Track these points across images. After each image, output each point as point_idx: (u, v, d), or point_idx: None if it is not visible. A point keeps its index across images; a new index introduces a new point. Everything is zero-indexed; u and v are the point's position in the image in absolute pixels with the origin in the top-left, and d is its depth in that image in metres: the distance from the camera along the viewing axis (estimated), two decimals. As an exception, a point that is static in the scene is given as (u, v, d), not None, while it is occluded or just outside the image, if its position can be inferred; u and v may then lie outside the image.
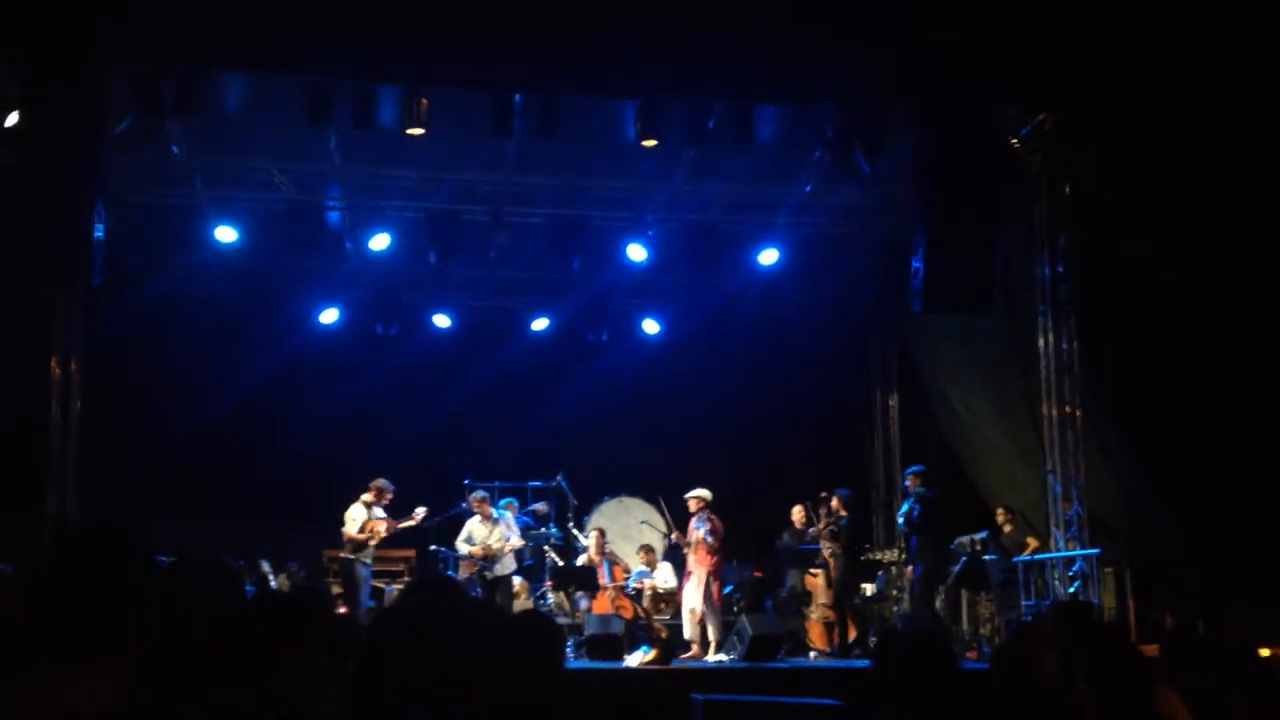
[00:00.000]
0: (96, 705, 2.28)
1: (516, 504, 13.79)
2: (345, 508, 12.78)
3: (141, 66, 11.01)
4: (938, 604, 13.23)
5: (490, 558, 12.78)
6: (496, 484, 14.01)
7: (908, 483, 13.45)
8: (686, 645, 12.32)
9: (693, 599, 12.28)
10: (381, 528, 12.57)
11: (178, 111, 11.51)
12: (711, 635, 12.14)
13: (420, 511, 12.88)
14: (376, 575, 13.95)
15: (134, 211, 13.83)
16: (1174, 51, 10.52)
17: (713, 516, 12.45)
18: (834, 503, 13.23)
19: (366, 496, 12.66)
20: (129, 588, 2.44)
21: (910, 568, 13.36)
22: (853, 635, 13.22)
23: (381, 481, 12.77)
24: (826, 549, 13.26)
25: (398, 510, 12.94)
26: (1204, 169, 10.93)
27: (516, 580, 13.36)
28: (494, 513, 13.09)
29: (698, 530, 12.40)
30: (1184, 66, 10.55)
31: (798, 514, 13.63)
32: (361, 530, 12.47)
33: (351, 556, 12.49)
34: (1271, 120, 10.45)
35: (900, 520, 13.57)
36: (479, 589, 12.73)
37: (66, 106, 10.31)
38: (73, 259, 10.56)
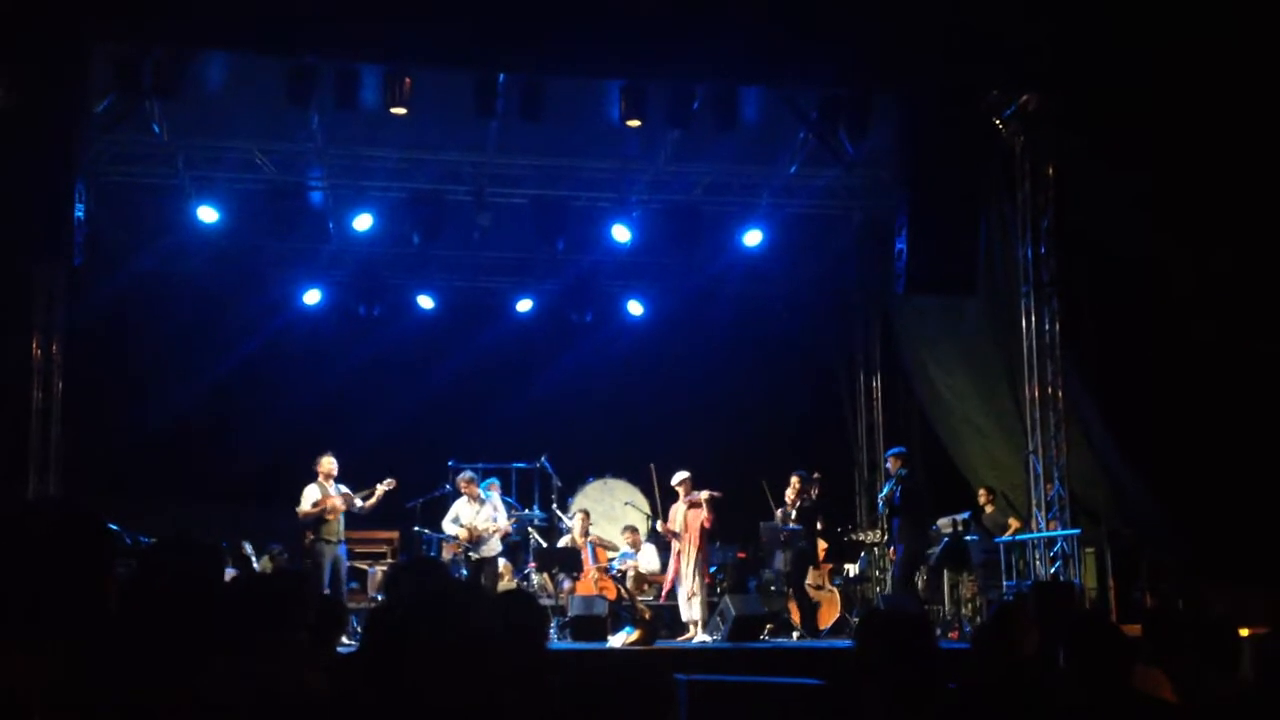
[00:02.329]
0: (38, 685, 2.28)
1: (499, 483, 13.77)
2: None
3: (122, 46, 10.93)
4: (919, 585, 13.27)
5: (476, 539, 12.76)
6: (480, 465, 13.97)
7: (889, 465, 13.46)
8: (671, 627, 12.31)
9: (688, 580, 12.25)
10: (338, 501, 12.20)
11: (158, 92, 11.45)
12: (700, 615, 12.17)
13: (385, 484, 12.48)
14: (359, 557, 13.89)
15: (115, 192, 13.77)
16: (1157, 31, 10.53)
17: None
18: (794, 481, 13.18)
19: (320, 478, 12.35)
20: (75, 570, 2.43)
21: (891, 549, 13.39)
22: (833, 618, 13.26)
23: (321, 456, 12.35)
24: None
25: (364, 487, 12.64)
26: (1188, 150, 10.96)
27: (500, 561, 13.36)
28: (481, 493, 13.06)
29: (698, 512, 12.36)
30: (1167, 46, 10.57)
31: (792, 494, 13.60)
32: (315, 505, 12.12)
33: (313, 537, 12.08)
34: (1253, 99, 10.49)
35: (880, 502, 13.58)
36: (463, 570, 12.73)
37: (46, 86, 10.23)
38: (53, 239, 10.49)
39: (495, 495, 13.29)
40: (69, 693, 2.32)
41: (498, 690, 2.29)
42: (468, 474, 13.20)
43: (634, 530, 14.61)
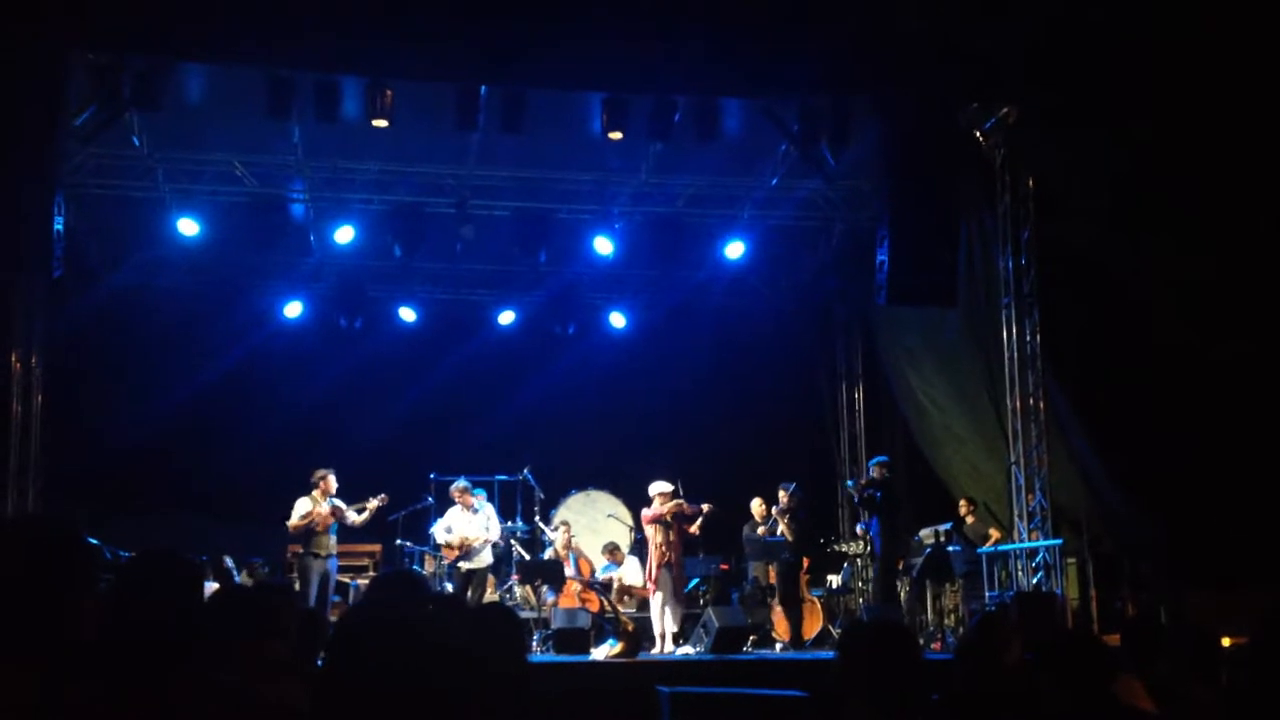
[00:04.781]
0: (18, 700, 2.26)
1: (485, 494, 13.74)
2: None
3: (101, 58, 10.91)
4: (902, 595, 13.26)
5: (467, 549, 12.71)
6: (462, 478, 13.94)
7: (873, 473, 13.43)
8: (652, 640, 12.27)
9: (666, 589, 12.18)
10: (324, 510, 12.07)
11: (138, 104, 11.42)
12: (676, 626, 12.14)
13: (378, 500, 12.44)
14: (341, 570, 13.82)
15: (95, 204, 13.74)
16: (1137, 43, 10.60)
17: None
18: (782, 496, 13.16)
19: (315, 492, 12.31)
20: (56, 583, 2.42)
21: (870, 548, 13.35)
22: (815, 630, 13.24)
23: (322, 471, 12.29)
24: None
25: (347, 500, 12.55)
26: (1169, 160, 11.02)
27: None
28: (474, 502, 13.01)
29: (684, 522, 12.30)
30: (1146, 58, 10.63)
31: (758, 507, 13.59)
32: (303, 518, 12.03)
33: (302, 550, 12.05)
34: (1233, 108, 10.56)
35: (854, 493, 13.31)
36: (450, 582, 12.68)
37: (23, 98, 10.20)
38: (32, 252, 10.45)
39: (489, 506, 13.28)
40: (49, 707, 2.31)
41: (469, 704, 2.27)
42: (462, 483, 13.14)
43: (615, 549, 14.56)
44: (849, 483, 13.42)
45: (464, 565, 12.71)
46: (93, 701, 2.38)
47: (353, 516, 12.30)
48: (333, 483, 12.26)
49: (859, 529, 13.42)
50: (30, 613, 2.36)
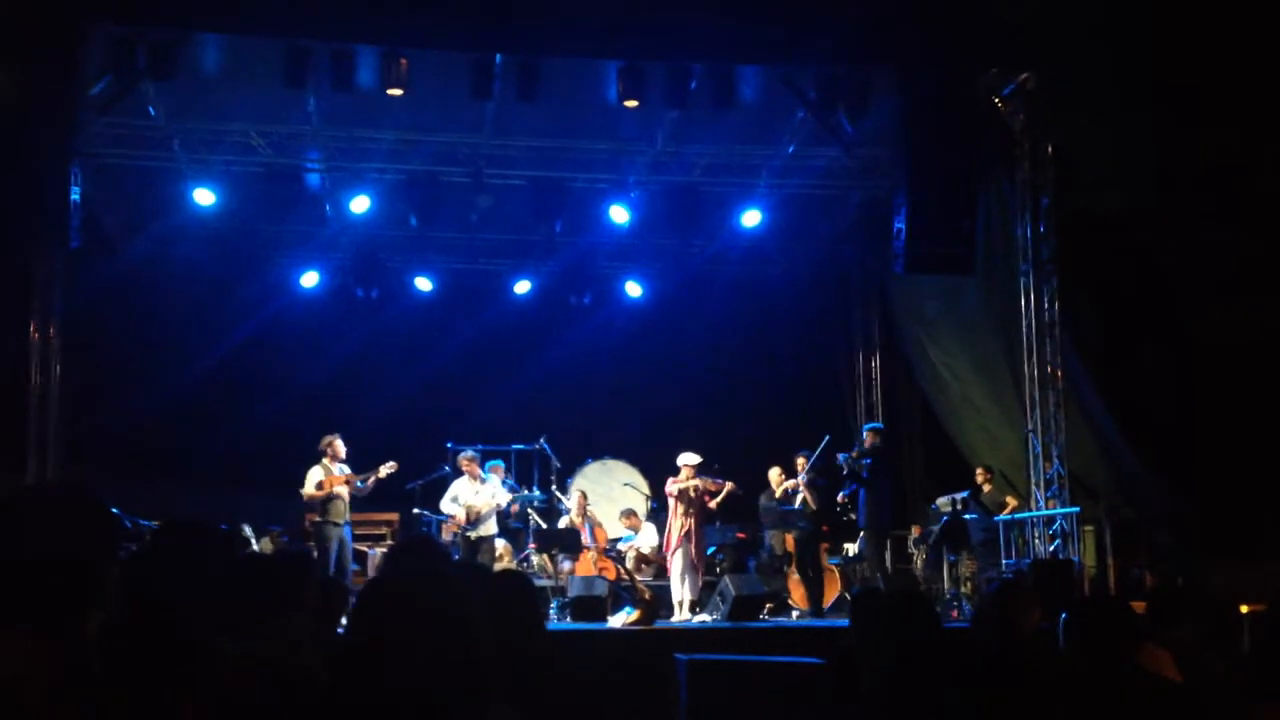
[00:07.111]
0: (40, 669, 2.27)
1: (503, 465, 13.79)
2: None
3: (117, 28, 10.89)
4: (918, 564, 13.26)
5: (475, 518, 12.76)
6: (479, 447, 13.95)
7: (865, 438, 13.35)
8: (670, 608, 12.32)
9: (687, 558, 12.21)
10: (340, 482, 12.24)
11: (154, 74, 11.41)
12: (694, 594, 12.18)
13: (387, 466, 12.45)
14: (359, 539, 13.90)
15: (112, 174, 13.73)
16: (1157, 7, 10.51)
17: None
18: (799, 462, 13.17)
19: (325, 459, 12.37)
20: (79, 551, 2.42)
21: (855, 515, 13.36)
22: (832, 597, 13.26)
23: (329, 437, 12.37)
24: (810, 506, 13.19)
25: (363, 469, 12.62)
26: (1187, 128, 10.95)
27: (500, 543, 13.36)
28: (481, 473, 13.06)
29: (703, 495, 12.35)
30: (1168, 22, 10.54)
31: (776, 476, 13.57)
32: (319, 488, 12.11)
33: (319, 519, 12.16)
34: (1255, 75, 10.47)
35: (844, 464, 13.23)
36: (460, 551, 12.73)
37: (41, 68, 10.20)
38: (49, 222, 10.48)
39: (495, 478, 13.30)
40: (73, 677, 2.32)
41: (485, 669, 2.28)
42: (469, 453, 13.20)
43: (632, 514, 14.61)
44: (841, 456, 13.20)
45: (471, 534, 12.77)
46: (118, 671, 2.39)
47: (359, 484, 12.35)
48: (340, 447, 12.29)
49: (840, 496, 13.31)
50: (55, 582, 2.36)
